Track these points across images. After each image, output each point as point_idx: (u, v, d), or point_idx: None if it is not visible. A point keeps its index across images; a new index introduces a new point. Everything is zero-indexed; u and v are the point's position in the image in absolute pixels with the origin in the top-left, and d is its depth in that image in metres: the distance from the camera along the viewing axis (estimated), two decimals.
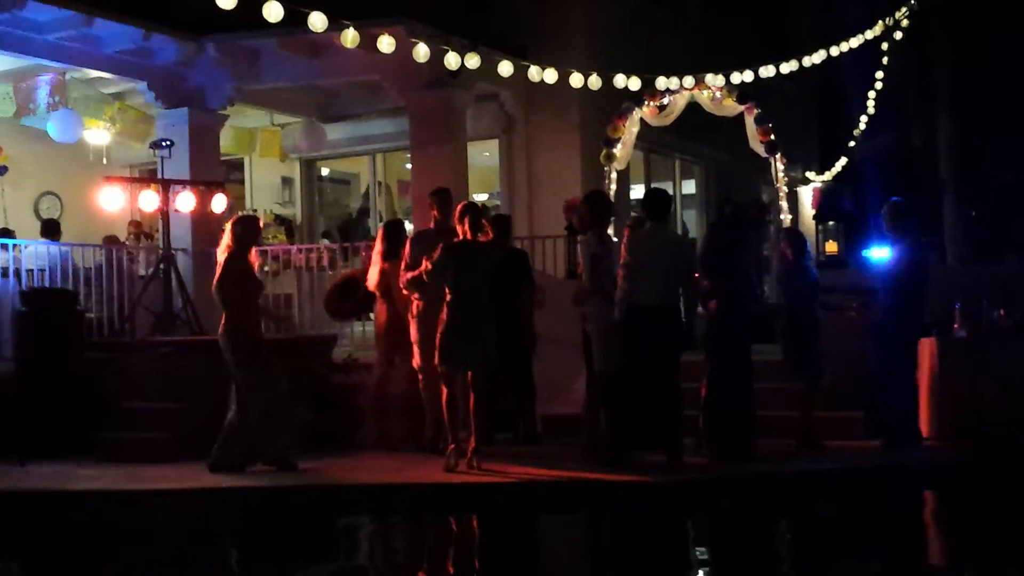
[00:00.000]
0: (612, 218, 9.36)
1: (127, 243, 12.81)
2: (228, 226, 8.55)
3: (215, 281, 8.38)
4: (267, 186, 15.19)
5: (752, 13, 17.02)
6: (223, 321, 8.37)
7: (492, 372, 8.50)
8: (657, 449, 8.26)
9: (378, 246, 9.38)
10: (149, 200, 10.83)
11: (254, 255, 8.75)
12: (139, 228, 13.20)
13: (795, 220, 13.31)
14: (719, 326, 8.51)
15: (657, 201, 8.60)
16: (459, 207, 8.55)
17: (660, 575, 6.49)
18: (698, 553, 7.00)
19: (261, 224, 9.75)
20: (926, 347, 9.27)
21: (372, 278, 9.31)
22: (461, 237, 8.42)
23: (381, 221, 14.75)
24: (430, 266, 8.29)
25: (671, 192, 15.90)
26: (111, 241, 11.96)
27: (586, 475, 8.12)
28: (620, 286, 8.19)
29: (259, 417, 8.35)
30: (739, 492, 8.07)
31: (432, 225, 9.28)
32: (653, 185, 15.41)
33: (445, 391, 8.36)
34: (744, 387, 8.49)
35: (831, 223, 20.81)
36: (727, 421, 8.42)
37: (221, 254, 8.41)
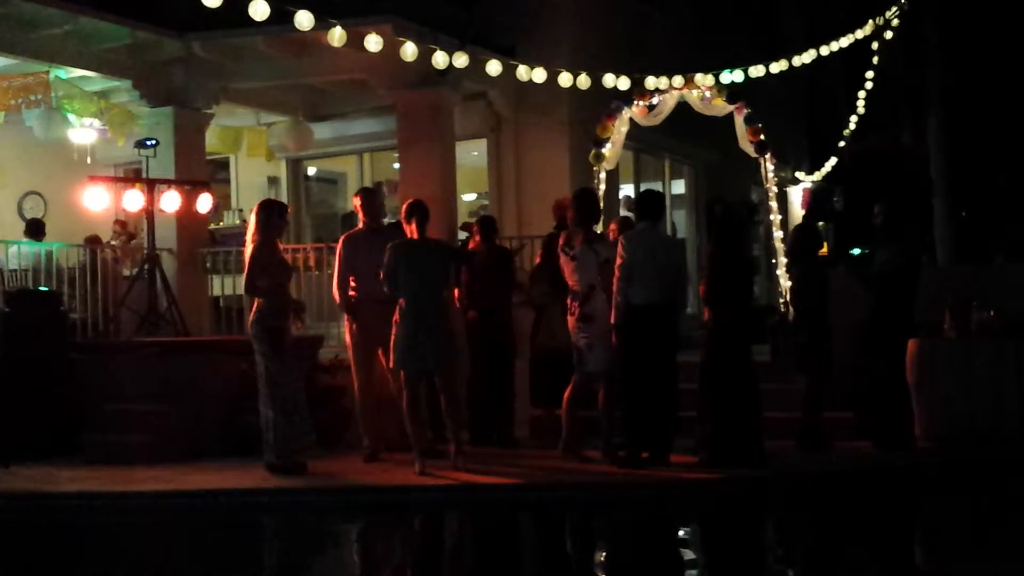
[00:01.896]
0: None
1: (112, 243, 12.69)
2: (252, 214, 8.52)
3: (244, 275, 8.34)
4: (253, 186, 15.07)
5: (742, 12, 16.97)
6: (253, 309, 8.40)
7: (453, 371, 8.53)
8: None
9: None
10: (134, 200, 10.75)
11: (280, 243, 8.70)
12: (124, 227, 13.08)
13: (785, 220, 13.26)
14: (727, 328, 8.43)
15: (652, 201, 8.76)
16: (405, 205, 8.53)
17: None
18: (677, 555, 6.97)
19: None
20: (916, 348, 9.24)
21: None
22: (408, 236, 8.40)
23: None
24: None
25: (661, 192, 15.93)
26: (93, 241, 11.86)
27: (569, 475, 8.13)
28: (618, 287, 8.23)
29: (277, 413, 8.32)
30: (730, 492, 8.04)
31: (360, 225, 9.25)
32: (644, 185, 15.42)
33: (406, 395, 8.35)
34: (748, 389, 8.42)
35: (821, 223, 20.79)
36: (725, 424, 8.34)
37: (248, 244, 8.39)
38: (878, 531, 7.18)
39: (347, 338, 9.15)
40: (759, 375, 8.59)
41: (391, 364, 8.53)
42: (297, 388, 8.51)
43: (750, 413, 8.32)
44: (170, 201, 10.88)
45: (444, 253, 8.63)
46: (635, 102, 11.72)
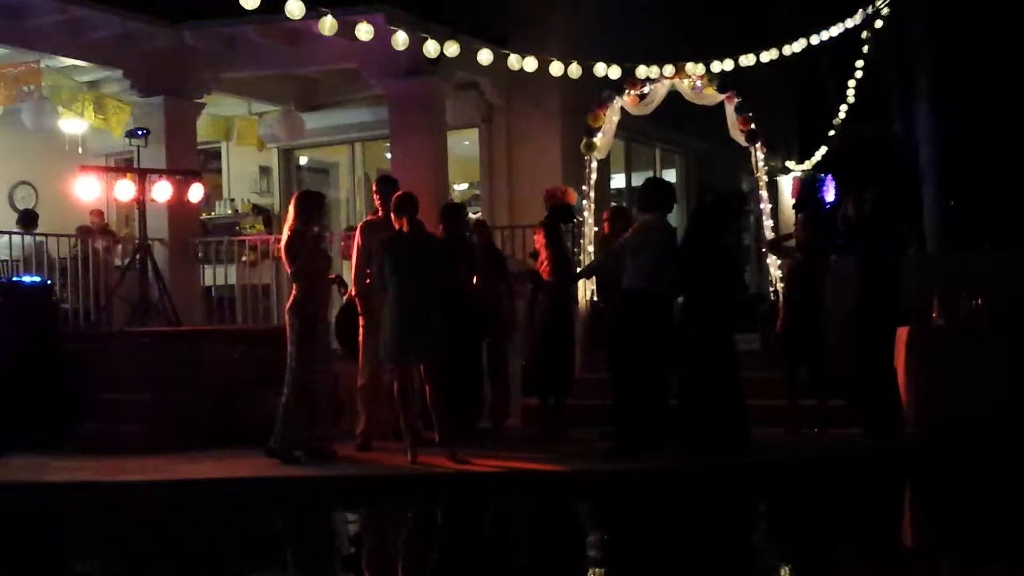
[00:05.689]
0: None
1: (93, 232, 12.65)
2: (291, 203, 8.60)
3: (283, 256, 8.39)
4: (244, 175, 15.07)
5: (733, 1, 16.96)
6: (291, 296, 8.45)
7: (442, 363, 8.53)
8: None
9: None
10: (125, 189, 10.74)
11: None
12: (101, 218, 13.01)
13: (775, 209, 13.29)
14: (702, 315, 8.49)
15: (667, 192, 8.99)
16: (394, 198, 8.54)
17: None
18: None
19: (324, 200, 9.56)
20: (905, 336, 9.30)
21: None
22: (397, 228, 8.43)
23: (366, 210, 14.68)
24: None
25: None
26: (84, 231, 11.85)
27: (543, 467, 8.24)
28: (635, 275, 8.35)
29: (296, 399, 8.34)
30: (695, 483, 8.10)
31: (379, 214, 9.27)
32: (636, 175, 15.44)
33: (397, 385, 8.39)
34: (730, 377, 8.47)
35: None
36: (709, 412, 8.39)
37: (285, 232, 8.44)
38: (861, 519, 7.24)
39: (360, 324, 9.14)
40: (744, 362, 8.67)
41: (380, 356, 8.54)
42: (323, 381, 8.55)
43: (733, 400, 8.38)
44: (161, 191, 10.88)
45: (433, 246, 8.64)
46: (626, 91, 11.74)
